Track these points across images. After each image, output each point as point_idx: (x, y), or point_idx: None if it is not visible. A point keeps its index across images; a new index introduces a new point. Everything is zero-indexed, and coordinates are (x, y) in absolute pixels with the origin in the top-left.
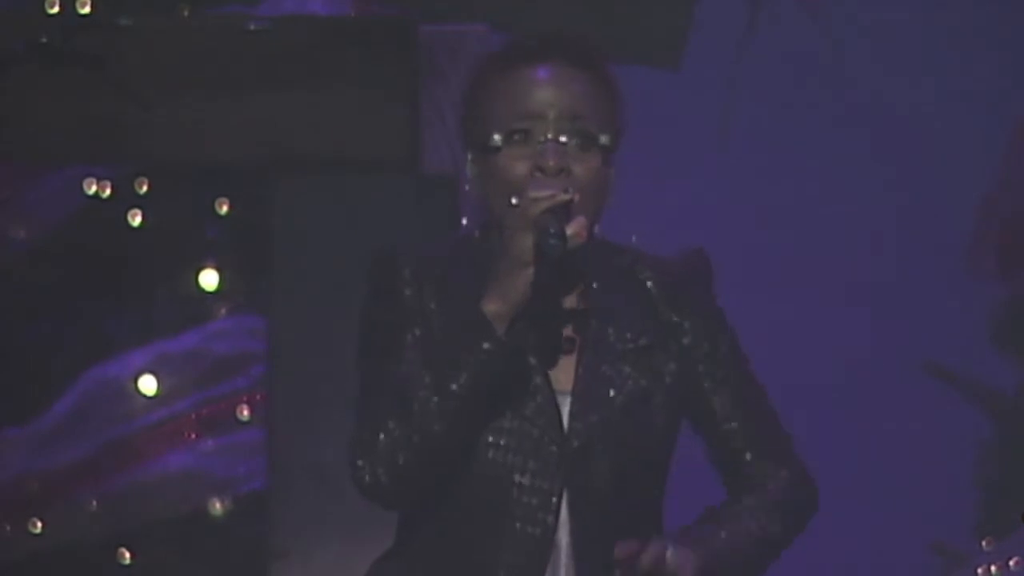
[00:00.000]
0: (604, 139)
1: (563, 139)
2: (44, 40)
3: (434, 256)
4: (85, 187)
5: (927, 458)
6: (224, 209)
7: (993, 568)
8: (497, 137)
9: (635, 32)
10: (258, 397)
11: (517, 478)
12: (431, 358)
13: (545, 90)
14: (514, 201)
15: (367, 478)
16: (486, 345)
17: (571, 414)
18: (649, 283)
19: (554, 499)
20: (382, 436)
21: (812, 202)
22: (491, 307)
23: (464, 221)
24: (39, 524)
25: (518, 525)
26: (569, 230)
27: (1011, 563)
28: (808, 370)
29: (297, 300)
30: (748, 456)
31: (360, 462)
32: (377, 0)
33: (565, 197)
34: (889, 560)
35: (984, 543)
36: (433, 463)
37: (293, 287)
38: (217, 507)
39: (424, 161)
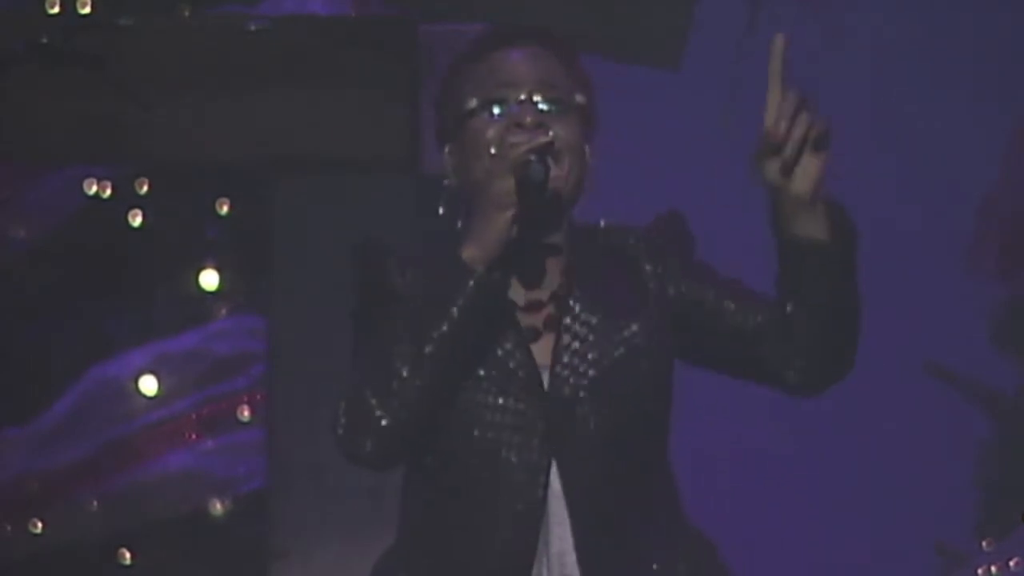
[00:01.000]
0: (580, 98)
1: (537, 99)
2: (44, 40)
3: (416, 248)
4: (85, 187)
5: (927, 458)
6: (224, 209)
7: (993, 568)
8: (473, 100)
9: (635, 32)
10: (258, 397)
11: (504, 454)
12: (413, 318)
13: (519, 64)
14: (493, 151)
15: (345, 434)
16: (469, 283)
17: (551, 386)
18: (631, 243)
19: (542, 475)
20: (362, 396)
21: None
22: (468, 252)
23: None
24: (39, 524)
25: (508, 502)
26: (553, 170)
27: (1011, 563)
28: None
29: (297, 300)
30: (757, 316)
31: (342, 420)
32: (377, 0)
33: (545, 139)
34: (889, 560)
35: (984, 543)
36: (413, 416)
37: (293, 287)
38: (217, 507)
39: (424, 161)
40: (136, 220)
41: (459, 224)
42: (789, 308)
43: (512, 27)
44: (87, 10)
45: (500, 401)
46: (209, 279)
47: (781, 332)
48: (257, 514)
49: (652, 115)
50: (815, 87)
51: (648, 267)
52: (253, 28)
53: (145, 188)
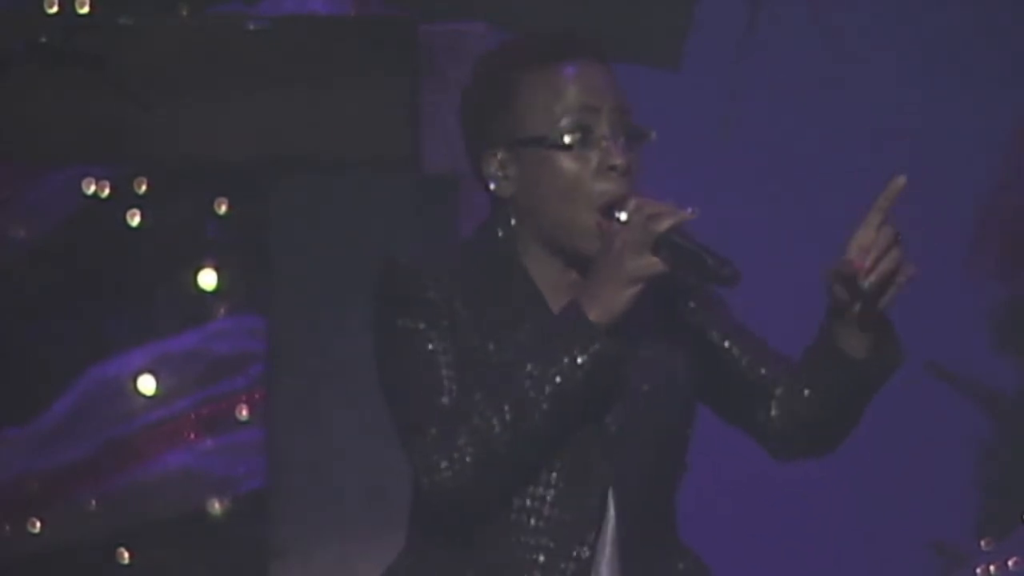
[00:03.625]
0: (652, 135)
1: (622, 132)
2: (44, 40)
3: (448, 258)
4: (85, 187)
5: (927, 458)
6: (224, 209)
7: (992, 568)
8: (567, 138)
9: (635, 32)
10: (258, 397)
11: (553, 479)
12: (516, 360)
13: (590, 84)
14: (623, 217)
15: (451, 482)
16: (595, 347)
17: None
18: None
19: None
20: (463, 441)
21: (812, 202)
22: (595, 314)
23: (462, 220)
24: (39, 524)
25: (552, 521)
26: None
27: (1010, 563)
28: None
29: (297, 300)
30: (762, 370)
31: (444, 464)
32: (377, 0)
33: (688, 216)
34: (889, 560)
35: (984, 543)
36: (517, 468)
37: (293, 287)
38: (217, 507)
39: (424, 161)
40: (135, 220)
41: (500, 233)
42: (806, 393)
43: (561, 36)
44: (87, 10)
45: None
46: (208, 279)
47: (787, 405)
48: (257, 514)
49: (652, 115)
50: (815, 87)
51: (672, 292)
52: (253, 28)
53: (144, 188)
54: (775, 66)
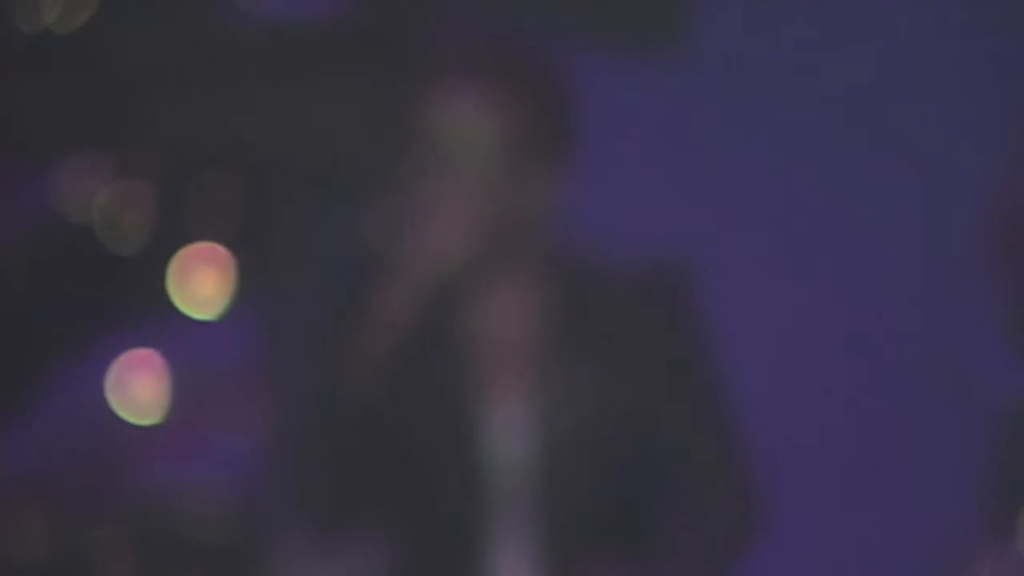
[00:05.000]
0: (477, 171)
1: (435, 172)
2: (43, 40)
3: None
4: (81, 187)
5: (927, 458)
6: (223, 209)
7: (992, 569)
8: (393, 161)
9: (635, 32)
10: (257, 397)
11: (474, 503)
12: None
13: (437, 117)
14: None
15: None
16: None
17: (533, 434)
18: (620, 293)
19: (511, 522)
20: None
21: (812, 201)
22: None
23: None
24: (39, 524)
25: (480, 549)
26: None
27: (1010, 563)
28: (807, 369)
29: (297, 300)
30: (695, 459)
31: None
32: (377, 1)
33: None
34: (889, 560)
35: (984, 543)
36: (352, 508)
37: (293, 287)
38: (216, 508)
39: None
40: (135, 219)
41: None
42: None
43: (459, 56)
44: (87, 11)
45: (463, 448)
46: (209, 279)
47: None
48: (257, 514)
49: (652, 115)
50: (815, 87)
51: (633, 319)
52: (253, 28)
53: (144, 188)
54: (775, 66)
